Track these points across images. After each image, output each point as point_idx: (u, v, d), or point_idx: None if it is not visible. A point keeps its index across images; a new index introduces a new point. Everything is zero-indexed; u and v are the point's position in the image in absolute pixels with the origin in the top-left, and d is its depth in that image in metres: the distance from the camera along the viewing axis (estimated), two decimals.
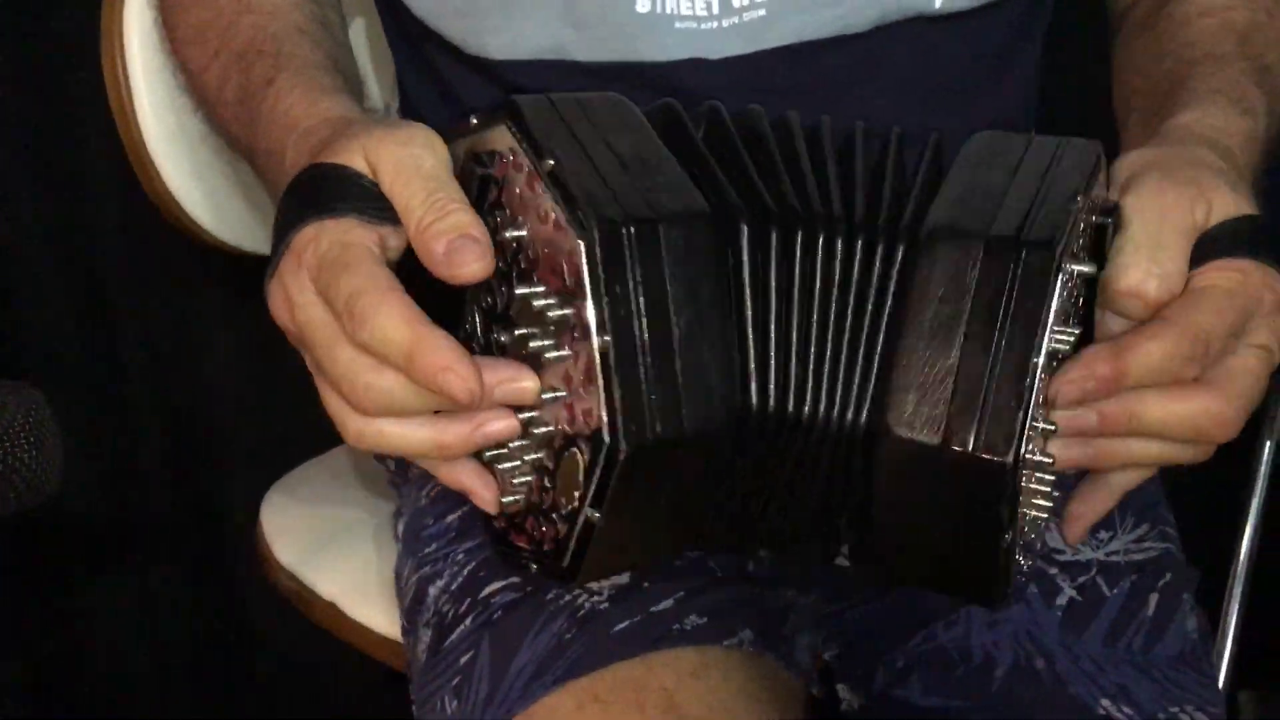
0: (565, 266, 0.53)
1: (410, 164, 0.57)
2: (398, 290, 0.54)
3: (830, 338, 0.58)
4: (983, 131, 0.61)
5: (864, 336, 0.58)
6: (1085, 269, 0.55)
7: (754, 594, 0.76)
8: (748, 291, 0.58)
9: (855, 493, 0.59)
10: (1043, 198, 0.55)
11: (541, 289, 0.54)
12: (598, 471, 0.53)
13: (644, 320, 0.53)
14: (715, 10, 0.73)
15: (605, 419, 0.52)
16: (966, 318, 0.53)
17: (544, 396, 0.55)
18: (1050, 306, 0.52)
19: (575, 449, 0.54)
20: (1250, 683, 1.37)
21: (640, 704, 0.67)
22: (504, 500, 0.58)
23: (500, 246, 0.56)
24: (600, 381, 0.52)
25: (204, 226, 1.00)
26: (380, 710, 1.07)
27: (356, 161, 0.58)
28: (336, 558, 0.97)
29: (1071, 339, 0.54)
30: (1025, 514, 0.56)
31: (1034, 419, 0.53)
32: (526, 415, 0.55)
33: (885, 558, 0.61)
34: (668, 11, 0.72)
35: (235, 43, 0.72)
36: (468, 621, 0.73)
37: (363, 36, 1.02)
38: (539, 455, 0.56)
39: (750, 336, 0.58)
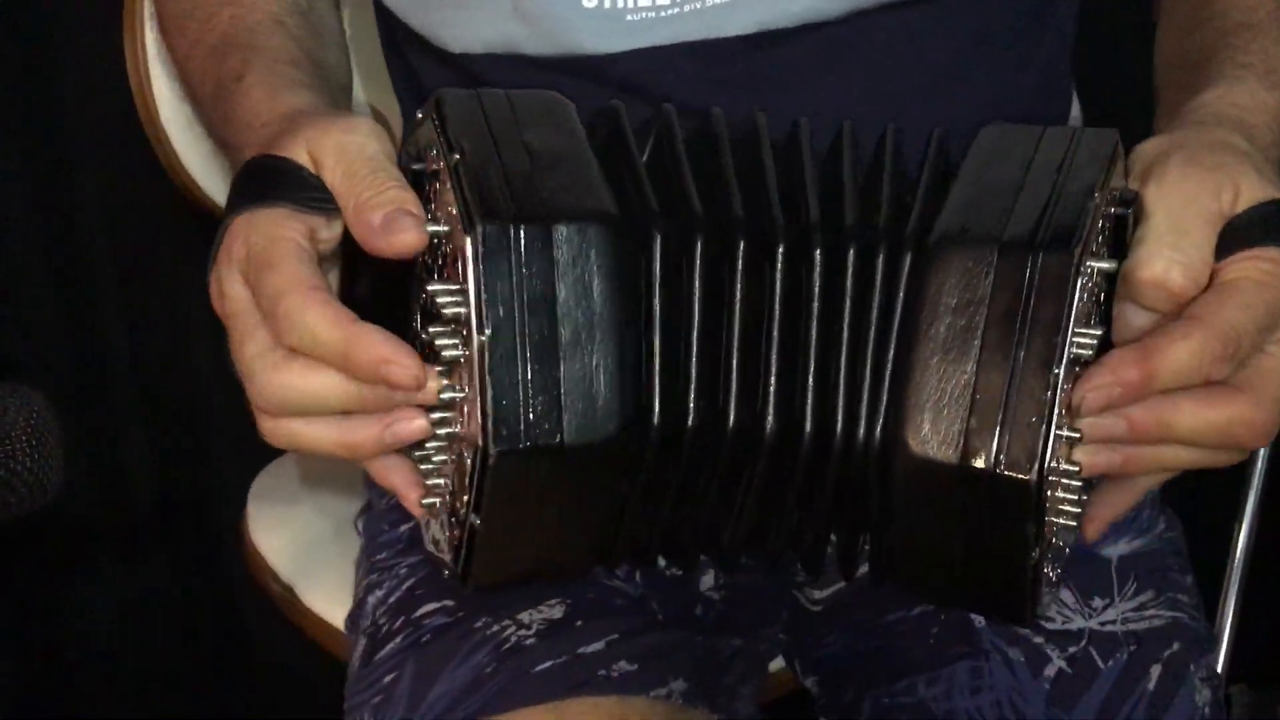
0: (459, 262, 0.52)
1: (353, 149, 0.56)
2: (320, 289, 0.54)
3: (786, 350, 0.56)
4: (995, 124, 0.58)
5: (813, 348, 0.56)
6: (1105, 265, 0.53)
7: (694, 640, 0.74)
8: (657, 299, 0.55)
9: (868, 510, 0.57)
10: (1058, 194, 0.53)
11: (445, 286, 0.52)
12: (475, 476, 0.52)
13: (526, 322, 0.51)
14: None
15: (479, 422, 0.51)
16: (982, 328, 0.51)
17: (443, 397, 0.53)
18: (1071, 312, 0.50)
19: (466, 452, 0.53)
20: (1243, 677, 1.37)
21: None
22: (423, 502, 0.57)
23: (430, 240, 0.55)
24: (477, 383, 0.51)
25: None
26: None
27: (299, 153, 0.57)
28: (324, 568, 0.97)
29: (1094, 341, 0.52)
30: (1053, 523, 0.54)
31: (1058, 428, 0.51)
32: (438, 415, 0.54)
33: (906, 576, 0.58)
34: (618, 7, 0.70)
35: (212, 35, 0.72)
36: (398, 640, 0.73)
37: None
38: (447, 457, 0.55)
39: (658, 346, 0.55)
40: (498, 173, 0.52)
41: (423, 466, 0.57)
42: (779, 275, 0.56)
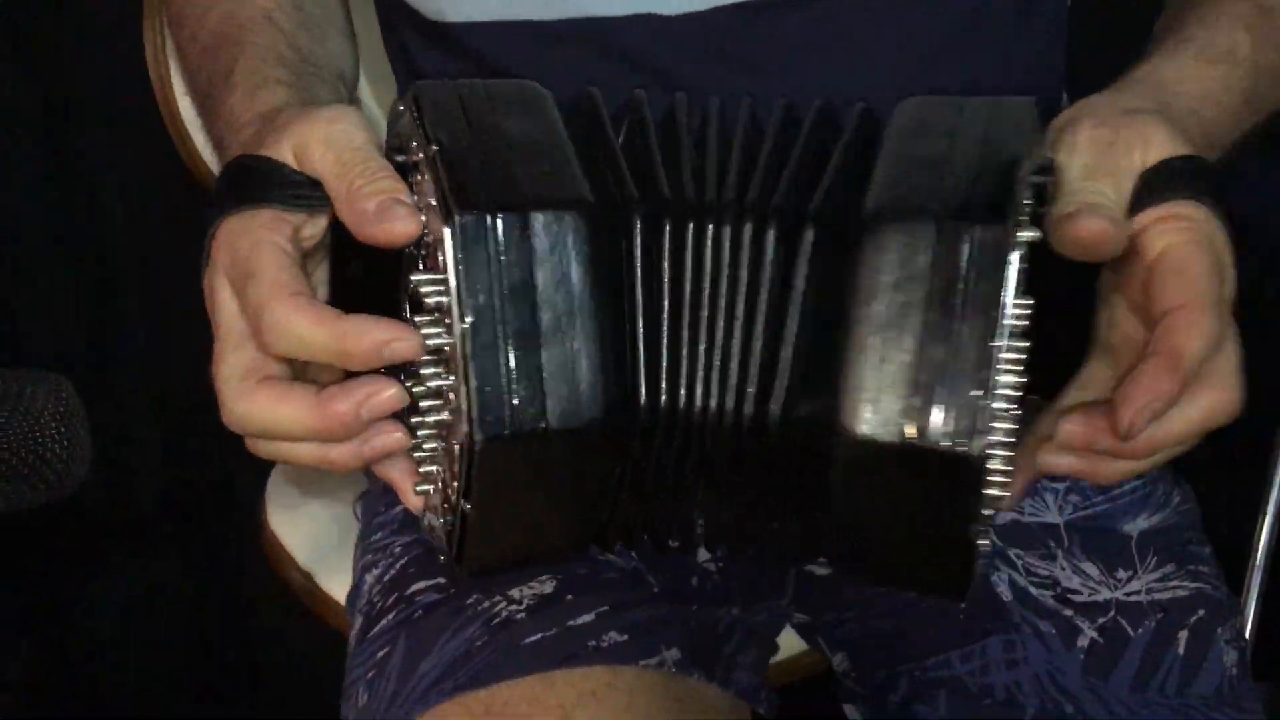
0: (440, 252, 0.52)
1: (342, 138, 0.56)
2: (302, 294, 0.54)
3: (750, 331, 0.56)
4: (911, 98, 0.58)
5: (787, 330, 0.56)
6: (1031, 234, 0.52)
7: (689, 612, 0.74)
8: (639, 284, 0.56)
9: (813, 493, 0.57)
10: (986, 166, 0.53)
11: (428, 276, 0.53)
12: (464, 463, 0.52)
13: (507, 308, 0.52)
14: None
15: (464, 409, 0.51)
16: (923, 305, 0.51)
17: (432, 385, 0.54)
18: (1008, 286, 0.50)
19: (454, 439, 0.53)
20: (1266, 674, 1.37)
21: None
22: (417, 489, 0.58)
23: None
24: (460, 370, 0.51)
25: None
26: None
27: (282, 150, 0.57)
28: (343, 555, 0.96)
29: (1028, 312, 0.51)
30: (986, 495, 0.53)
31: (994, 400, 0.51)
32: (427, 404, 0.54)
33: (849, 558, 0.59)
34: None
35: (205, 31, 0.72)
36: (391, 616, 0.73)
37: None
38: (438, 445, 0.56)
39: (640, 330, 0.56)
40: (476, 163, 0.53)
41: (415, 455, 0.57)
42: (708, 254, 0.57)
